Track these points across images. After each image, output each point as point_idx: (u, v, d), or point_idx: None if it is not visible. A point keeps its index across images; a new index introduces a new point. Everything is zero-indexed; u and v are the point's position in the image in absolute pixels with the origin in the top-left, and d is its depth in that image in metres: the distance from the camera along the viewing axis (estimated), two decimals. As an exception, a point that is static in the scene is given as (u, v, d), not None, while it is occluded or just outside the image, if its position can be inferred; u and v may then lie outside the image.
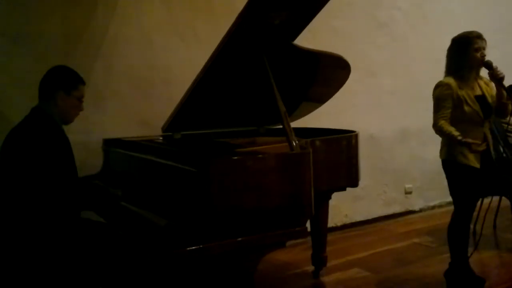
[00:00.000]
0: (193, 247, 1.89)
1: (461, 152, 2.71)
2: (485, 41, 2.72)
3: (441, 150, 2.87)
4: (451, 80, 2.74)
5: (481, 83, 2.82)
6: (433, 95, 2.79)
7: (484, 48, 2.70)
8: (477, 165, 2.71)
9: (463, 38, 2.75)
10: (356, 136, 3.02)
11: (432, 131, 2.77)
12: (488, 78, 2.75)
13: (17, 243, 2.06)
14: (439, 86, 2.76)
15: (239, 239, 1.99)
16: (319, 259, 3.24)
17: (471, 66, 2.73)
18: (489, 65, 2.67)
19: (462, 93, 2.71)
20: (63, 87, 2.25)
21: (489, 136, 2.79)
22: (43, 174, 2.06)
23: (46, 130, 2.15)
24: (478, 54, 2.68)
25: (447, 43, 2.85)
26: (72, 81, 2.28)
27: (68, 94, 2.25)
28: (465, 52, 2.72)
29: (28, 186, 2.06)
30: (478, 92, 2.77)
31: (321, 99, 3.28)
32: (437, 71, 2.92)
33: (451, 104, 2.70)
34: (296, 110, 3.17)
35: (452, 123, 2.72)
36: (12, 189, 2.10)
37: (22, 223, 2.06)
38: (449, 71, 2.81)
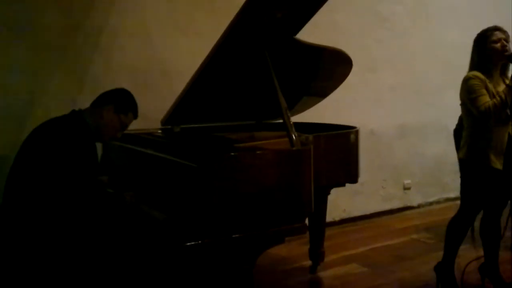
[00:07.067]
0: (192, 243, 1.88)
1: (484, 152, 2.60)
2: (507, 33, 2.60)
3: (461, 148, 2.76)
4: (477, 73, 2.60)
5: (507, 82, 2.64)
6: (463, 89, 2.63)
7: (505, 40, 2.58)
8: (500, 167, 2.60)
9: (480, 33, 2.65)
10: (357, 132, 3.00)
11: (432, 127, 2.74)
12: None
13: (19, 239, 2.03)
14: (469, 78, 2.60)
15: (238, 235, 1.98)
16: (316, 254, 3.24)
17: (494, 59, 2.61)
18: None
19: (490, 86, 2.59)
20: (116, 104, 2.26)
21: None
22: (58, 177, 2.02)
23: (78, 136, 2.11)
24: (498, 45, 2.57)
25: (449, 39, 2.80)
26: (127, 106, 2.31)
27: (116, 113, 2.26)
28: (484, 46, 2.61)
29: (40, 185, 2.03)
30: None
31: (322, 94, 3.26)
32: (438, 66, 2.88)
33: (486, 93, 2.56)
34: (297, 105, 3.16)
35: (477, 120, 2.60)
36: (24, 185, 2.07)
37: (26, 220, 2.03)
38: (472, 67, 2.68)
